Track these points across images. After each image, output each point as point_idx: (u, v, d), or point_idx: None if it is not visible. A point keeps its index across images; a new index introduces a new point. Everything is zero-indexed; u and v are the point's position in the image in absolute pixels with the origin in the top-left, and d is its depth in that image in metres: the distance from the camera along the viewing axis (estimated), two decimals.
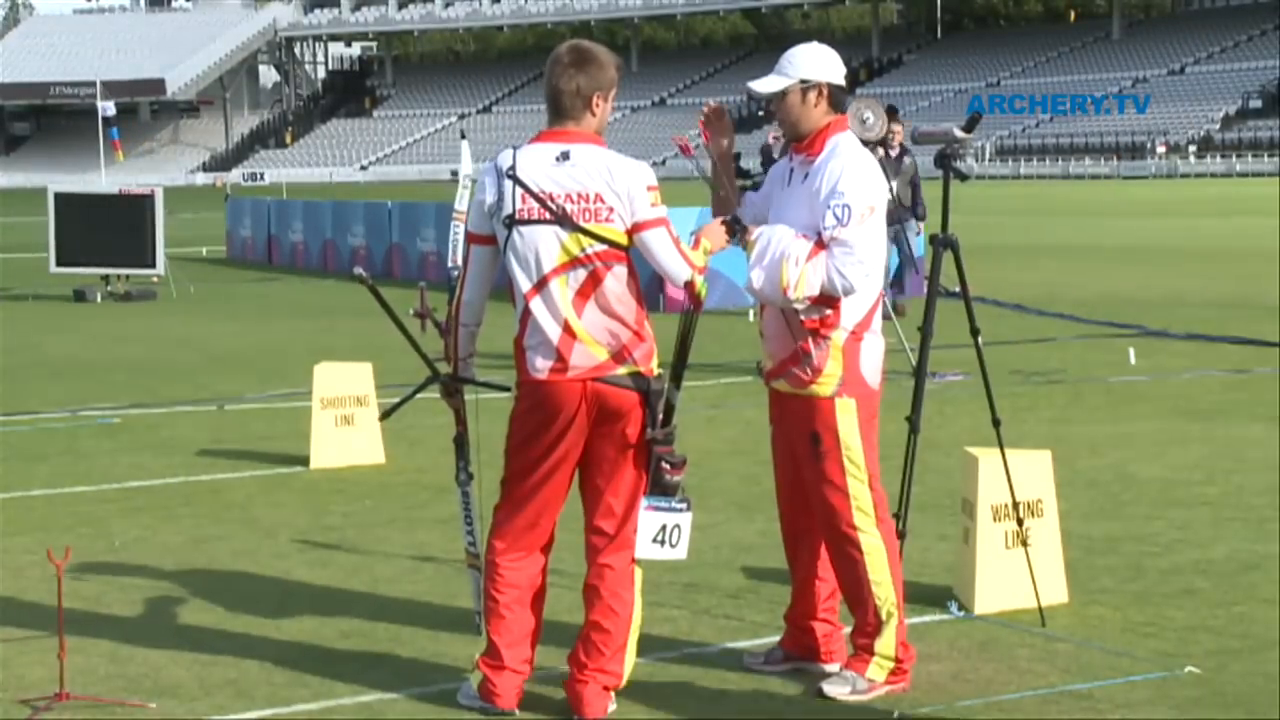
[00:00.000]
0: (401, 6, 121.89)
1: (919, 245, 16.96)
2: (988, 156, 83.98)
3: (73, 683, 5.54)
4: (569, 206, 5.12)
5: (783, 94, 5.50)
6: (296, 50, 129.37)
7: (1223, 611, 6.36)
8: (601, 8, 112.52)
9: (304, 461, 9.79)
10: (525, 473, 5.28)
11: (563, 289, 5.14)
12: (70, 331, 18.18)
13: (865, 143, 5.66)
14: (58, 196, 22.39)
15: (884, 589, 5.49)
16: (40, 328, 18.62)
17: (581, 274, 5.13)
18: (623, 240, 5.16)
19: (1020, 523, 6.30)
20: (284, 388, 12.99)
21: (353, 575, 7.20)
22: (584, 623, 5.33)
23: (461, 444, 5.67)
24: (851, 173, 5.40)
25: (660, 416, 5.23)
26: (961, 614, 6.38)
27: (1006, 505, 6.31)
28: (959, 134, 6.86)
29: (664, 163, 77.34)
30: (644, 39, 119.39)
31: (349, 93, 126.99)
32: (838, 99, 5.54)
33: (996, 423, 6.34)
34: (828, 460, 5.46)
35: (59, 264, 22.09)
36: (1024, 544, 6.29)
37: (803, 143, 5.54)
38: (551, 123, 5.26)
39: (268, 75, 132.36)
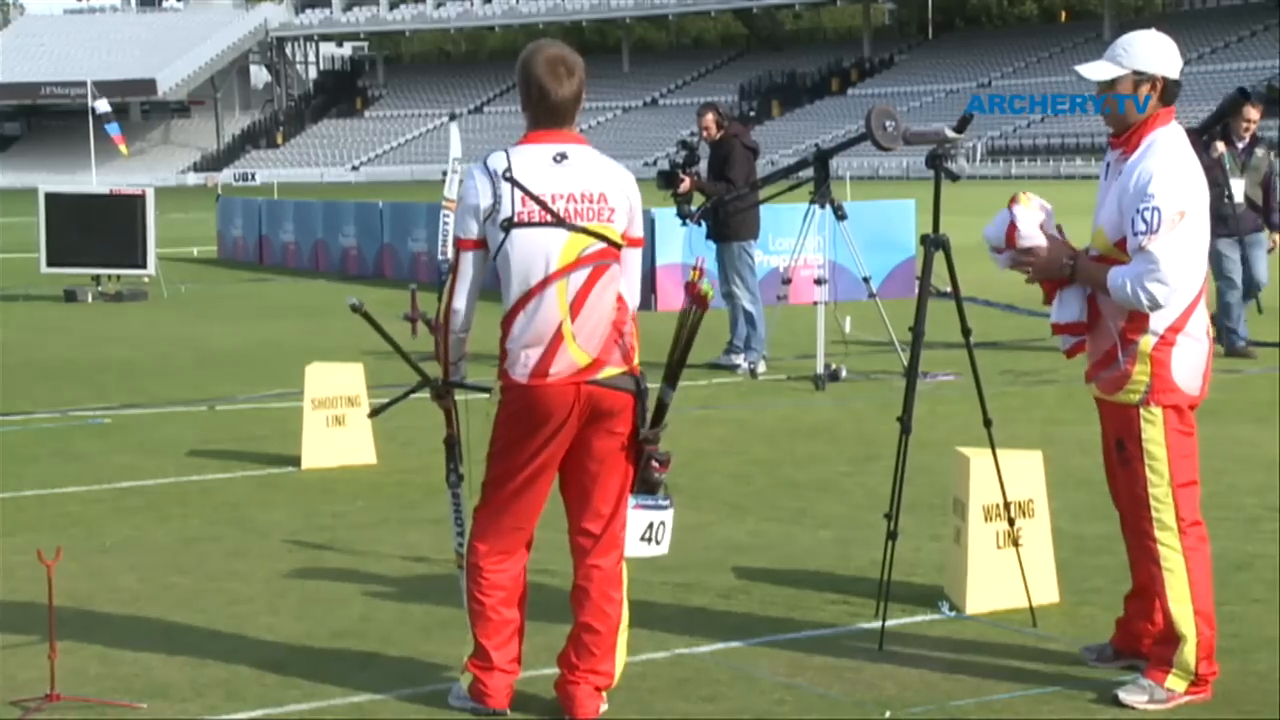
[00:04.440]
0: (393, 7, 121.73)
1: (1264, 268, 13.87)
2: (979, 157, 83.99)
3: (63, 683, 5.53)
4: (570, 206, 5.08)
5: (1112, 82, 5.30)
6: (288, 50, 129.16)
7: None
8: (593, 8, 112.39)
9: (295, 462, 9.77)
10: (510, 476, 5.24)
11: (561, 292, 5.07)
12: (61, 332, 18.14)
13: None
14: (48, 197, 22.31)
15: (1181, 606, 5.28)
16: (31, 328, 18.58)
17: (581, 276, 5.08)
18: (619, 239, 5.15)
19: (1012, 523, 6.31)
20: (275, 388, 12.97)
21: (344, 576, 7.19)
22: (574, 624, 5.33)
23: (452, 446, 5.66)
24: (1164, 173, 5.11)
25: (651, 416, 5.23)
26: (953, 614, 6.38)
27: (998, 505, 6.31)
28: (950, 134, 6.87)
29: (655, 162, 77.34)
30: (636, 39, 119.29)
31: (340, 93, 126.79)
32: (1170, 94, 5.30)
33: (988, 423, 6.34)
34: (1131, 469, 5.31)
35: (49, 264, 22.02)
36: (1015, 544, 6.29)
37: (1121, 137, 5.33)
38: (541, 124, 5.16)
39: (259, 75, 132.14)
